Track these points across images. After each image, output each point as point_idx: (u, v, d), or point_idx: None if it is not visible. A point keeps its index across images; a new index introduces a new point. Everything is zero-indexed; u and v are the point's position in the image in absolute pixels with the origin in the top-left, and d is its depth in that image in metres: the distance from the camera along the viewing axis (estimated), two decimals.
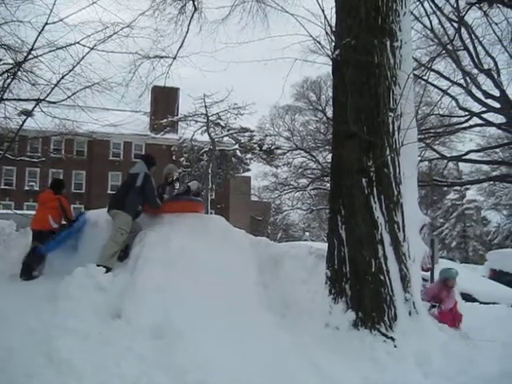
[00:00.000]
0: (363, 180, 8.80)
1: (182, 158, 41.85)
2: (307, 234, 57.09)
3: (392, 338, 8.23)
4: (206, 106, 38.10)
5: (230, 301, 8.23)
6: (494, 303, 14.92)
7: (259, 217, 55.20)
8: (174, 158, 42.07)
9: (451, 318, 10.40)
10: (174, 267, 8.50)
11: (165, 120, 41.56)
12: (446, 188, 45.84)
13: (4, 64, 15.02)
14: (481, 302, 15.00)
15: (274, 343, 7.50)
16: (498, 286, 17.60)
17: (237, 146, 41.70)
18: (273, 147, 41.85)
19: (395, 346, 8.12)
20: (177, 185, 11.14)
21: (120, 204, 9.56)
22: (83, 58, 14.88)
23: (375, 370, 7.44)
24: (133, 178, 9.76)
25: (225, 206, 46.62)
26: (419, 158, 11.37)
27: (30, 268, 10.03)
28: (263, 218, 55.87)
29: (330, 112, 39.97)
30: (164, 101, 42.21)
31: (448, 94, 25.82)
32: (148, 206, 10.02)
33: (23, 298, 8.31)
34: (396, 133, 9.14)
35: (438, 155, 30.05)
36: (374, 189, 8.78)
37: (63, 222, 10.56)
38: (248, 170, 46.11)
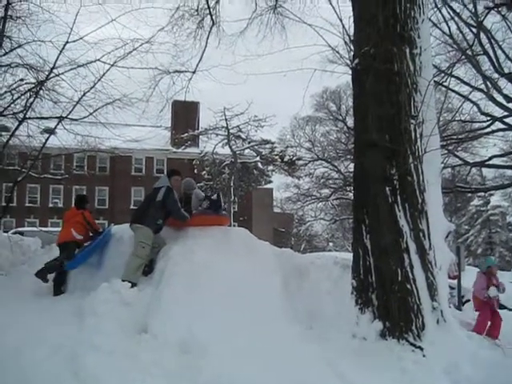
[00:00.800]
0: (387, 188, 8.75)
1: (204, 172, 41.96)
2: (331, 244, 56.91)
3: (420, 348, 8.14)
4: (226, 119, 38.22)
5: (254, 313, 8.22)
6: None
7: (282, 228, 55.15)
8: (195, 171, 42.19)
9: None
10: (199, 281, 8.51)
11: (186, 134, 41.76)
12: (469, 194, 45.39)
13: (27, 83, 15.17)
14: (510, 309, 14.86)
15: (299, 356, 7.47)
16: None
17: (258, 158, 41.74)
18: (294, 158, 41.83)
19: (424, 356, 8.04)
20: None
21: (140, 218, 9.59)
22: (104, 74, 15.01)
23: (403, 380, 7.37)
24: (154, 193, 9.80)
25: (247, 219, 46.60)
26: (442, 165, 11.30)
27: (59, 284, 10.17)
28: (286, 229, 55.82)
29: (350, 121, 39.98)
30: (184, 115, 42.49)
31: (469, 100, 25.65)
32: (173, 220, 10.02)
33: (49, 314, 8.38)
34: (418, 140, 9.09)
35: (460, 161, 29.85)
36: (398, 197, 8.73)
37: (91, 235, 10.68)
38: (270, 181, 46.18)
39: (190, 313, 7.78)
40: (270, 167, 43.34)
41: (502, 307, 14.85)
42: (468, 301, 12.53)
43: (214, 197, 10.82)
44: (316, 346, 7.89)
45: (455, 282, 13.03)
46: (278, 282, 9.29)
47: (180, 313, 7.77)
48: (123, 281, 8.70)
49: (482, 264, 11.91)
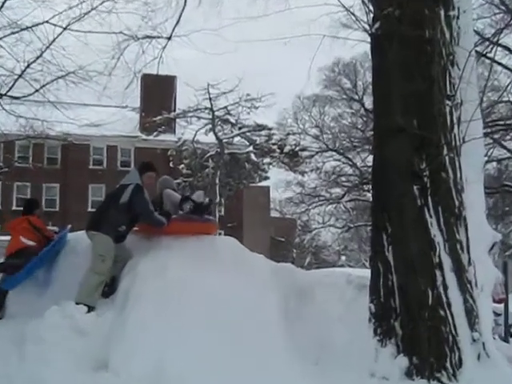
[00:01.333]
0: (415, 188, 8.77)
1: (182, 165, 41.97)
2: (343, 258, 56.91)
3: None
4: (210, 99, 38.27)
5: (244, 345, 8.21)
6: None
7: (281, 237, 55.23)
8: (171, 164, 42.19)
9: None
10: (173, 304, 8.50)
11: (159, 117, 41.79)
12: None
13: None
14: None
15: None
16: None
17: (251, 149, 41.76)
18: (297, 149, 41.88)
19: None
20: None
21: (98, 224, 9.54)
22: (54, 40, 15.03)
23: None
24: (119, 192, 9.77)
25: (237, 225, 46.61)
26: (486, 158, 11.30)
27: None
28: (286, 238, 55.89)
29: (369, 102, 39.96)
30: (157, 93, 42.46)
31: None
32: (146, 226, 10.07)
33: None
34: (455, 126, 9.12)
35: (509, 154, 29.95)
36: (429, 199, 8.75)
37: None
38: (266, 178, 46.16)
39: (161, 344, 7.78)
40: (267, 160, 43.37)
41: None
42: None
43: (203, 199, 10.90)
44: (320, 381, 7.90)
45: (501, 306, 13.05)
46: (275, 305, 9.27)
47: (149, 344, 7.78)
48: (77, 303, 8.68)
49: None
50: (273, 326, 8.86)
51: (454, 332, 8.48)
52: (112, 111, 34.33)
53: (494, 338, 10.73)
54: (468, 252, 8.92)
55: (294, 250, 56.97)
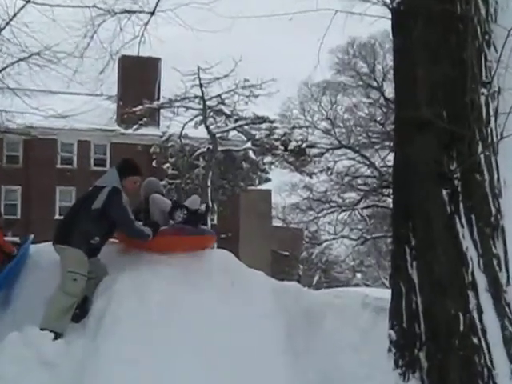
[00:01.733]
0: (444, 192, 8.80)
1: (167, 165, 41.98)
2: (359, 275, 57.05)
3: None
4: (201, 85, 38.31)
5: (242, 378, 8.23)
6: None
7: (285, 251, 55.26)
8: (154, 164, 42.17)
9: None
10: (157, 331, 8.52)
11: (140, 107, 41.78)
12: None
13: None
14: None
15: None
16: None
17: (249, 145, 41.79)
18: (304, 145, 41.89)
19: None
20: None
21: (67, 236, 9.45)
22: (15, 15, 15.00)
23: None
24: (91, 195, 9.72)
25: (233, 236, 46.65)
26: None
27: None
28: (291, 252, 55.91)
29: (390, 90, 39.94)
30: (138, 78, 42.59)
31: None
32: (123, 236, 10.05)
33: None
34: (492, 119, 9.13)
35: None
36: (461, 205, 8.77)
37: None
38: (267, 180, 46.21)
39: (141, 378, 7.78)
40: (268, 158, 43.43)
41: None
42: None
43: (198, 205, 10.83)
44: None
45: None
46: (277, 334, 9.29)
47: (127, 378, 7.77)
48: (42, 329, 8.68)
49: None
50: (274, 359, 8.88)
51: (489, 364, 8.49)
52: (84, 100, 34.51)
53: None
54: (507, 269, 8.93)
55: (301, 266, 57.03)
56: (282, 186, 51.65)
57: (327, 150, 45.05)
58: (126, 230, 9.73)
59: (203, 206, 11.06)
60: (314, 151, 43.39)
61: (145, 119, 43.40)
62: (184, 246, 10.16)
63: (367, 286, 41.07)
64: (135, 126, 44.58)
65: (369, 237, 46.11)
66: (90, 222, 9.41)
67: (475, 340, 8.50)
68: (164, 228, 10.12)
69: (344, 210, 45.95)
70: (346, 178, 44.79)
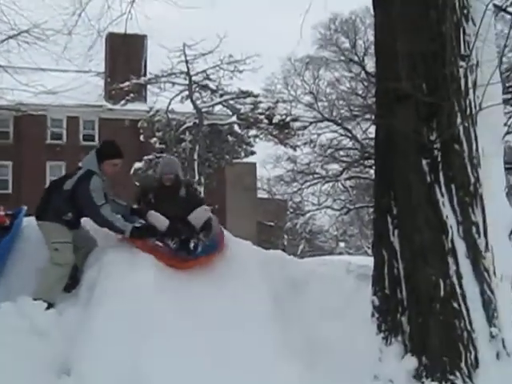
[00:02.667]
0: (424, 162, 8.83)
1: (155, 139, 41.85)
2: (342, 244, 57.18)
3: None
4: (187, 61, 38.18)
5: (229, 347, 8.24)
6: None
7: (270, 221, 55.29)
8: (142, 138, 42.09)
9: None
10: (146, 299, 8.49)
11: (127, 83, 41.63)
12: None
13: None
14: None
15: None
16: None
17: (234, 119, 41.70)
18: (288, 119, 41.82)
19: None
20: (182, 191, 10.20)
21: (42, 211, 9.47)
22: None
23: None
24: (67, 175, 9.71)
25: (220, 208, 46.48)
26: (506, 128, 11.30)
27: None
28: (276, 223, 55.95)
29: (371, 64, 39.85)
30: (125, 55, 42.27)
31: None
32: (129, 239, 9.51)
33: None
34: (470, 91, 9.15)
35: None
36: (441, 174, 8.80)
37: None
38: (252, 153, 46.11)
39: (132, 347, 7.79)
40: (253, 132, 43.35)
41: None
42: None
43: (204, 217, 9.98)
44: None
45: None
46: (264, 300, 9.26)
47: (118, 347, 7.77)
48: (35, 299, 8.68)
49: None
50: (262, 326, 8.85)
51: (469, 328, 8.55)
52: (72, 76, 34.28)
53: None
54: (485, 236, 8.97)
55: (285, 236, 57.13)
56: (266, 158, 51.63)
57: (310, 123, 44.98)
58: (91, 215, 9.45)
59: (193, 216, 9.81)
60: (298, 124, 43.33)
61: (132, 95, 43.22)
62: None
63: (350, 254, 41.15)
64: (123, 102, 44.39)
65: (351, 207, 46.16)
66: (62, 201, 9.34)
67: (455, 305, 8.56)
68: (159, 246, 9.46)
69: (327, 182, 45.95)
70: (329, 150, 44.74)
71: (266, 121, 41.19)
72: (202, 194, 41.20)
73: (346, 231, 59.33)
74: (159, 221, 9.51)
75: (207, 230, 9.75)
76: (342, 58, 47.36)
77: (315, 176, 46.57)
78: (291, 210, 55.61)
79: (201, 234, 9.68)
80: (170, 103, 39.84)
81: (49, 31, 15.26)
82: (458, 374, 8.39)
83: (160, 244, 9.40)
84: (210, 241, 9.73)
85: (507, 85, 23.90)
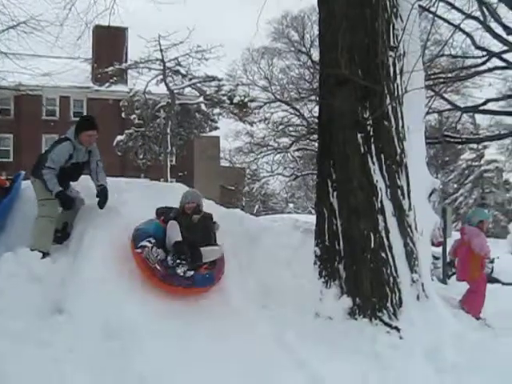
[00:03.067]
0: (359, 136, 8.83)
1: (134, 116, 41.55)
2: (291, 205, 57.31)
3: (397, 329, 8.34)
4: (161, 50, 37.83)
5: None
6: None
7: (231, 186, 55.20)
8: (123, 115, 41.77)
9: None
10: (126, 248, 8.43)
11: (111, 68, 41.15)
12: (459, 146, 46.12)
13: None
14: (504, 284, 15.28)
15: (252, 339, 7.53)
16: None
17: (201, 99, 41.49)
18: (246, 99, 41.68)
19: (401, 338, 8.24)
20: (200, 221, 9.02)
21: (33, 170, 9.29)
22: None
23: (377, 366, 7.52)
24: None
25: (188, 174, 46.45)
26: (427, 109, 11.42)
27: None
28: (236, 187, 55.88)
29: (316, 54, 39.87)
30: (109, 44, 41.88)
31: (461, 30, 25.76)
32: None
33: None
34: (398, 77, 9.17)
35: (449, 105, 30.21)
36: (373, 146, 8.83)
37: None
38: (216, 128, 45.92)
39: (117, 290, 7.75)
40: (217, 110, 43.16)
41: (495, 281, 15.28)
42: (454, 274, 12.69)
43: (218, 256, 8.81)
44: (272, 327, 7.99)
45: (440, 250, 13.29)
46: (225, 250, 9.24)
47: (104, 290, 7.72)
48: (32, 250, 8.61)
49: (471, 216, 11.86)
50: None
51: (394, 274, 8.65)
52: (64, 62, 33.81)
53: (433, 280, 10.96)
54: (409, 197, 9.05)
55: (244, 198, 57.06)
56: (228, 132, 51.41)
57: (265, 103, 44.87)
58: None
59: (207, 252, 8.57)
60: (254, 104, 43.25)
61: (115, 78, 42.75)
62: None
63: (298, 213, 41.18)
64: (107, 84, 43.91)
65: (299, 174, 46.28)
66: (44, 161, 9.12)
67: (383, 255, 8.64)
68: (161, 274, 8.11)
69: (279, 153, 45.95)
70: (280, 126, 44.68)
71: (227, 101, 41.07)
72: (174, 162, 41.01)
73: (294, 194, 59.47)
74: (173, 233, 8.46)
75: (211, 266, 8.54)
76: (292, 48, 47.25)
77: (269, 148, 46.60)
78: (249, 177, 55.59)
79: (203, 267, 8.43)
80: (147, 85, 39.53)
81: (43, 22, 15.02)
82: (384, 311, 8.50)
83: (158, 267, 8.00)
84: (210, 274, 8.42)
85: (429, 73, 24.03)
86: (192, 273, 8.12)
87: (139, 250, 8.12)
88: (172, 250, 8.34)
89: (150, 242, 8.26)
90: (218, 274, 8.57)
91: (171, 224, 8.53)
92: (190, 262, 8.22)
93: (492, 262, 11.98)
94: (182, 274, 8.03)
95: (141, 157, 40.65)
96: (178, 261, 8.14)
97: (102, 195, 9.24)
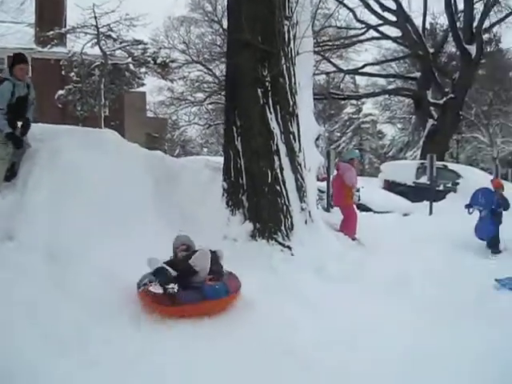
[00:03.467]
0: (259, 90, 8.83)
1: (72, 73, 40.28)
2: (205, 149, 57.13)
3: (289, 247, 8.51)
4: (95, 17, 36.61)
5: (126, 216, 8.16)
6: (387, 212, 15.65)
7: (156, 133, 54.51)
8: (63, 73, 40.52)
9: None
10: (67, 185, 8.21)
11: (51, 32, 39.69)
12: (343, 102, 46.74)
13: None
14: (375, 212, 15.70)
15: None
16: (391, 196, 18.44)
17: (130, 60, 40.60)
18: (167, 60, 40.95)
19: (292, 255, 8.41)
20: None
21: None
22: None
23: (274, 277, 7.65)
24: None
25: (120, 124, 45.37)
26: (314, 68, 11.49)
27: None
28: (160, 134, 55.23)
29: (226, 23, 39.41)
30: (50, 10, 40.21)
31: (345, 6, 25.98)
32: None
33: None
34: (292, 42, 9.17)
35: (335, 68, 30.49)
36: (270, 99, 8.85)
37: None
38: (143, 84, 45.03)
39: (57, 219, 7.58)
40: (143, 69, 42.32)
41: (368, 210, 15.68)
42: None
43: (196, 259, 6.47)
44: None
45: (324, 184, 13.50)
46: (149, 183, 9.16)
47: (47, 219, 7.56)
48: None
49: (345, 155, 12.25)
50: (148, 201, 8.80)
51: (287, 203, 8.78)
52: (9, 26, 32.49)
53: (318, 208, 11.16)
54: (299, 141, 9.15)
55: (166, 144, 56.48)
56: (153, 88, 50.45)
57: (183, 64, 44.21)
58: None
59: (196, 259, 6.45)
60: (175, 65, 42.55)
61: (56, 41, 41.37)
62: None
63: (210, 156, 41.19)
64: (49, 46, 42.34)
65: (212, 124, 46.18)
66: None
67: (278, 188, 8.74)
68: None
69: (195, 106, 45.57)
70: (196, 84, 44.21)
71: (152, 62, 40.33)
72: (107, 113, 40.23)
73: (208, 141, 59.16)
74: (153, 265, 6.44)
75: (216, 273, 6.50)
76: (206, 18, 46.59)
77: (187, 101, 46.13)
78: (170, 126, 55.01)
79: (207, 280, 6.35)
80: (83, 48, 38.26)
81: None
82: (279, 233, 8.65)
83: (160, 291, 5.98)
84: (220, 284, 6.31)
85: (318, 41, 24.13)
86: (171, 286, 6.01)
87: (140, 289, 6.25)
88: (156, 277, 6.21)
89: (150, 280, 6.21)
90: (231, 283, 6.45)
91: (148, 261, 6.50)
92: (182, 276, 6.23)
93: (358, 191, 12.23)
94: (175, 291, 5.96)
95: (79, 109, 39.36)
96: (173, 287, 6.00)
97: (25, 126, 8.85)
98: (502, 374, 5.17)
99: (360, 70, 30.86)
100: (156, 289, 5.95)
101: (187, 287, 6.08)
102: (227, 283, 6.41)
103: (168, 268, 6.32)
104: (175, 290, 5.93)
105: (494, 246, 10.95)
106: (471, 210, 11.59)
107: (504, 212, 11.30)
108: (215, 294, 6.18)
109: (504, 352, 5.56)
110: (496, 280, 8.58)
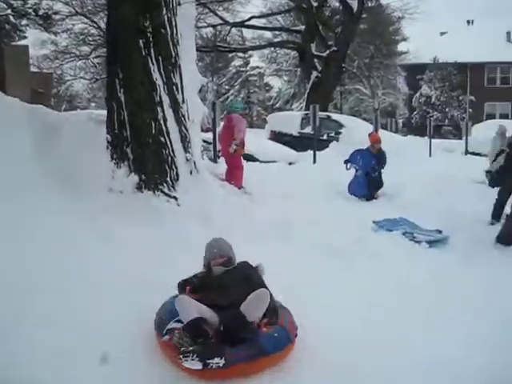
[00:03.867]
0: (140, 41, 8.64)
1: None
2: (93, 104, 55.69)
3: (175, 198, 8.53)
4: None
5: (5, 178, 7.77)
6: (273, 162, 15.96)
7: (41, 89, 52.50)
8: None
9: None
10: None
11: None
12: (230, 55, 46.65)
13: None
14: (261, 161, 15.96)
15: (58, 214, 7.32)
16: (277, 146, 18.79)
17: (9, 11, 38.60)
18: (50, 12, 39.27)
19: (178, 205, 8.44)
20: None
21: None
22: None
23: (160, 227, 7.66)
24: None
25: (1, 81, 43.51)
26: (197, 17, 11.42)
27: None
28: (45, 89, 53.25)
29: None
30: None
31: None
32: None
33: None
34: None
35: (221, 21, 30.34)
36: (152, 50, 8.69)
37: None
38: (24, 37, 43.03)
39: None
40: (24, 21, 40.39)
41: (255, 160, 15.89)
42: None
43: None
44: (73, 201, 7.81)
45: (211, 136, 13.52)
46: (29, 139, 8.78)
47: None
48: None
49: (232, 104, 12.28)
50: (28, 158, 8.38)
51: (172, 154, 8.75)
52: None
53: (204, 159, 11.21)
54: (182, 92, 9.10)
55: (52, 99, 54.59)
56: (35, 41, 48.24)
57: (67, 16, 42.51)
58: None
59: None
60: (58, 17, 40.85)
61: None
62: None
63: (97, 110, 40.23)
64: None
65: (98, 78, 44.97)
66: None
67: (162, 139, 8.69)
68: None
69: (80, 59, 44.15)
70: (81, 37, 42.72)
71: (33, 13, 38.48)
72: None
73: (95, 95, 57.80)
74: (184, 311, 4.53)
75: (271, 317, 4.70)
76: None
77: (72, 55, 44.56)
78: (55, 80, 53.13)
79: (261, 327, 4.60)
80: None
81: None
82: (165, 184, 8.65)
83: (199, 367, 4.15)
84: (279, 331, 4.56)
85: None
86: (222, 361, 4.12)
87: (167, 337, 4.51)
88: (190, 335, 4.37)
89: (179, 321, 4.61)
90: (291, 328, 4.72)
91: (178, 300, 4.67)
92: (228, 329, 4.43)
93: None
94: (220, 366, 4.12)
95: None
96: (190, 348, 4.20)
97: None
98: (371, 296, 5.93)
99: (246, 23, 30.90)
100: (193, 364, 4.14)
101: (235, 340, 4.37)
102: (286, 325, 4.71)
103: (207, 319, 4.53)
104: (220, 366, 4.13)
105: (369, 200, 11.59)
106: (348, 166, 12.19)
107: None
108: (276, 345, 4.47)
109: (381, 281, 6.42)
110: (374, 222, 9.04)
